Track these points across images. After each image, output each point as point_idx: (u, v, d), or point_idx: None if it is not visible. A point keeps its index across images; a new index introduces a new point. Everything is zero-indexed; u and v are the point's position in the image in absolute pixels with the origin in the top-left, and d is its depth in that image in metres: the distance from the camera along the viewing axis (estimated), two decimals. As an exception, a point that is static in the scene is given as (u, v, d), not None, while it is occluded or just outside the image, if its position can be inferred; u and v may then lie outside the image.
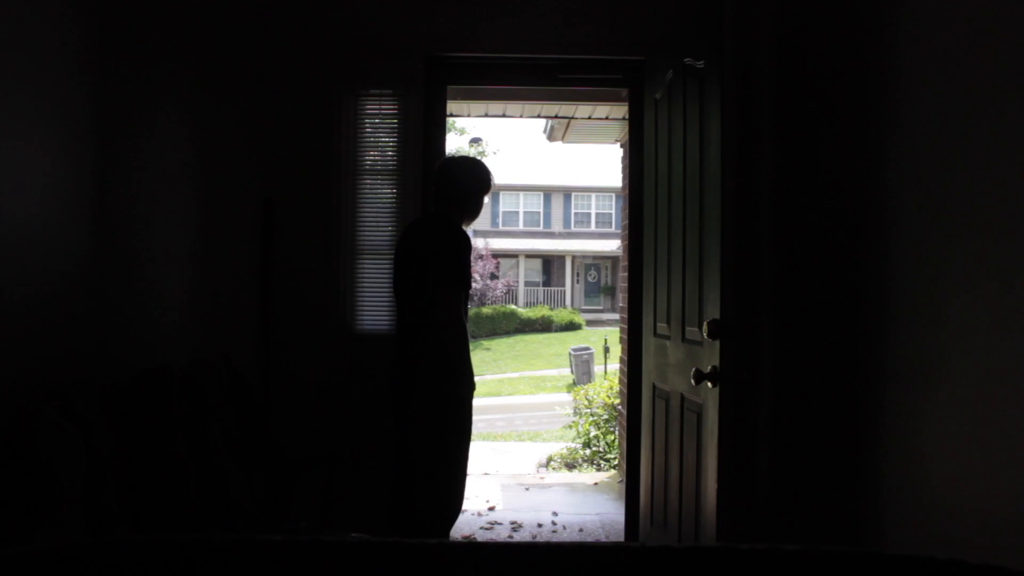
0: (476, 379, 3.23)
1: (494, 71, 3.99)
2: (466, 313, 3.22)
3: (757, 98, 3.49)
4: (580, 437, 7.27)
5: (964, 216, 2.11)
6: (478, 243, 23.12)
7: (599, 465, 6.76)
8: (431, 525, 3.16)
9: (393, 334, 3.66)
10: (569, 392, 12.72)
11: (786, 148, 3.33)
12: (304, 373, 3.74)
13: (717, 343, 2.87)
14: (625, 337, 4.71)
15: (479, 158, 3.63)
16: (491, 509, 4.95)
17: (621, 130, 5.71)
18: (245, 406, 3.00)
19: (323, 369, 3.74)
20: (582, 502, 5.21)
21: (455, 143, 21.54)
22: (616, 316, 20.95)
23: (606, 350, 14.77)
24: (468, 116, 6.03)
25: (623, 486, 4.62)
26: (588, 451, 6.99)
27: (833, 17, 2.98)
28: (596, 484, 5.74)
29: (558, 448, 7.73)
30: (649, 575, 1.28)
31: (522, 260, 26.46)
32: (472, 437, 3.26)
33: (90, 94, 2.46)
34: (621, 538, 4.14)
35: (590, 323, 23.48)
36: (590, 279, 27.15)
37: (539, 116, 5.82)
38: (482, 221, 25.22)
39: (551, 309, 23.80)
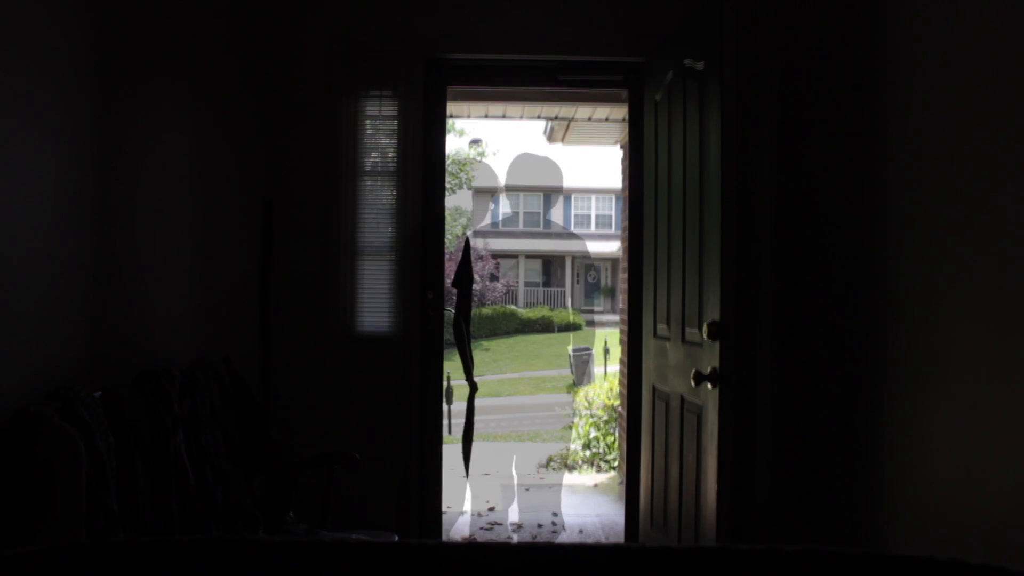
0: (476, 379, 3.24)
1: (494, 72, 4.00)
2: (467, 313, 3.23)
3: (757, 99, 3.49)
4: (580, 438, 7.27)
5: (964, 214, 2.11)
6: (478, 243, 23.11)
7: (599, 466, 6.76)
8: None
9: (393, 335, 3.67)
10: (569, 393, 12.73)
11: (785, 149, 3.34)
12: (304, 374, 3.74)
13: (717, 344, 2.87)
14: (625, 338, 4.71)
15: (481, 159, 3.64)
16: (491, 510, 4.95)
17: (621, 131, 5.71)
18: (245, 407, 3.00)
19: (323, 370, 3.74)
20: (582, 503, 5.21)
21: (455, 144, 21.52)
22: (616, 317, 20.94)
23: (606, 351, 14.76)
24: (468, 117, 6.03)
25: (623, 487, 4.62)
26: (588, 452, 6.99)
27: (832, 18, 2.98)
28: (596, 485, 5.74)
29: (558, 449, 7.74)
30: (649, 576, 1.28)
31: (522, 261, 26.45)
32: (473, 437, 3.27)
33: (92, 96, 2.46)
34: (621, 539, 4.14)
35: (590, 324, 23.47)
36: (590, 280, 27.14)
37: (539, 117, 5.83)
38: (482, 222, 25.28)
39: (551, 310, 23.80)
